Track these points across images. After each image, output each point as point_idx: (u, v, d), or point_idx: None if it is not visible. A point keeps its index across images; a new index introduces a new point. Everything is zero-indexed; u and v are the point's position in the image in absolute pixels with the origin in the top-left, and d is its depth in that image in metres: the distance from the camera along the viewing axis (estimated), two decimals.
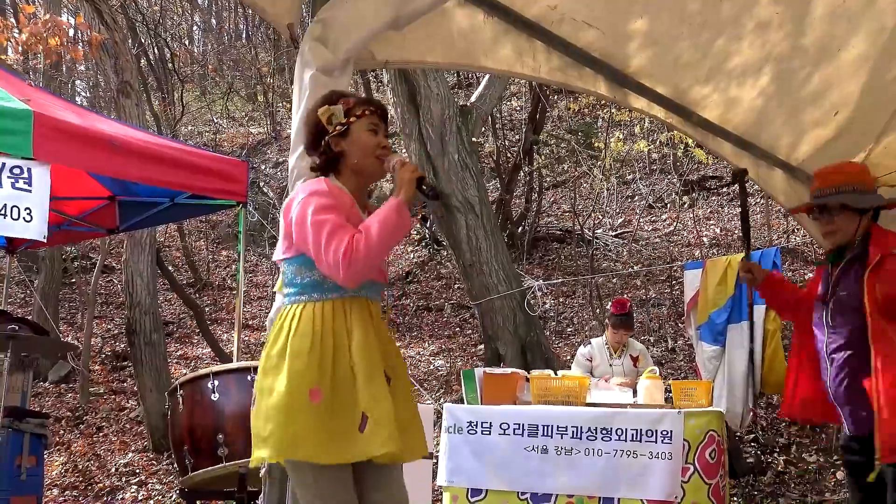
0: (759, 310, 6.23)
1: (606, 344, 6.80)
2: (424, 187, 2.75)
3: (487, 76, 11.09)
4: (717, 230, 13.47)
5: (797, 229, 12.30)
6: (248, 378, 4.49)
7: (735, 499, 7.27)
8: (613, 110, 13.61)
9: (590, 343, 6.96)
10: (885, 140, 5.08)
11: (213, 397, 4.46)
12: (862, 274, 3.76)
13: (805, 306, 4.12)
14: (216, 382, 4.49)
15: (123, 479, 9.32)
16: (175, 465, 5.53)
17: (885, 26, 3.98)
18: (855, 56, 4.20)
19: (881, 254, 3.73)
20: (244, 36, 27.44)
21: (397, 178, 2.75)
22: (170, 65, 21.06)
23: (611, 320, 6.76)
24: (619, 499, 5.02)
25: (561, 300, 12.97)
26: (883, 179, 5.47)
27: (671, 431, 4.96)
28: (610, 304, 7.22)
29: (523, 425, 5.38)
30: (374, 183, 3.07)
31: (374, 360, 2.71)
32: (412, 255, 15.65)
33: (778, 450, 8.31)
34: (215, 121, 22.60)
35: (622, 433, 5.10)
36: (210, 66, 24.91)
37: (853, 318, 3.76)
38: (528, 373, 5.95)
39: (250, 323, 13.75)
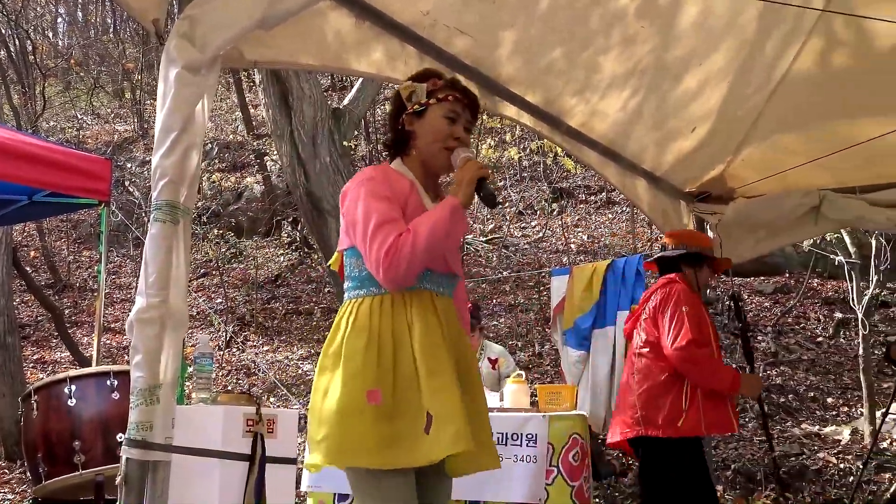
0: (622, 315, 6.33)
1: None
2: (482, 192, 2.56)
3: (361, 79, 11.06)
4: (585, 237, 13.77)
5: (660, 237, 12.68)
6: (108, 383, 4.35)
7: (598, 500, 7.41)
8: (485, 117, 13.75)
9: None
10: (744, 152, 5.28)
11: (69, 403, 4.29)
12: None
13: None
14: (73, 387, 4.32)
15: None
16: (28, 473, 5.32)
17: (746, 40, 4.13)
18: (716, 70, 4.35)
19: None
20: (112, 30, 26.64)
21: (457, 176, 2.56)
22: (31, 57, 20.24)
23: None
24: (484, 502, 4.98)
25: None
26: (740, 191, 5.70)
27: (536, 435, 4.98)
28: None
29: None
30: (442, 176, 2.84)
31: (438, 356, 2.48)
32: (282, 259, 15.46)
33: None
34: (79, 117, 21.84)
35: None
36: (73, 60, 24.08)
37: None
38: None
39: (112, 326, 13.33)
